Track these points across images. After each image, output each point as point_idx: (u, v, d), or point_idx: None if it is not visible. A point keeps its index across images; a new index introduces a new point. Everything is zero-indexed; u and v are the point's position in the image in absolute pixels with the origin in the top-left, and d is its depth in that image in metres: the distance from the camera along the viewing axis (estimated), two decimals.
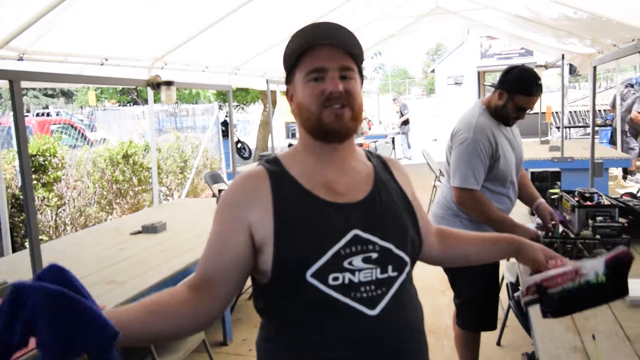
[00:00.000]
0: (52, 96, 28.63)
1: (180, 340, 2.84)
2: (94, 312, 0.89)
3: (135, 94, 20.90)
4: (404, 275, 1.23)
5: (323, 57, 1.20)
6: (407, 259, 1.24)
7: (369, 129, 14.99)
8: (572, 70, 10.61)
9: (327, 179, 1.24)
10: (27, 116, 15.95)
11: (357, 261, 1.17)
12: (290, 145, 9.41)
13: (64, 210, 6.08)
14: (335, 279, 1.15)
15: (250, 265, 1.20)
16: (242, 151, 14.38)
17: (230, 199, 1.22)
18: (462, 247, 1.48)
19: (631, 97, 8.93)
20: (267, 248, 1.16)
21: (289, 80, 1.28)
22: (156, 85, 3.60)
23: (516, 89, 2.52)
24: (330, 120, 1.20)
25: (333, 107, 1.19)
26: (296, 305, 1.16)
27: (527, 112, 2.61)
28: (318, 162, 1.26)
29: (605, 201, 2.77)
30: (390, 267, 1.20)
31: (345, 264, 1.16)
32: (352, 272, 1.16)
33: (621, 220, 2.62)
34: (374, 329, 1.15)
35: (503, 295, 3.65)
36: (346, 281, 1.15)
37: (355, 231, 1.18)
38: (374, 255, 1.18)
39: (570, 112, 14.54)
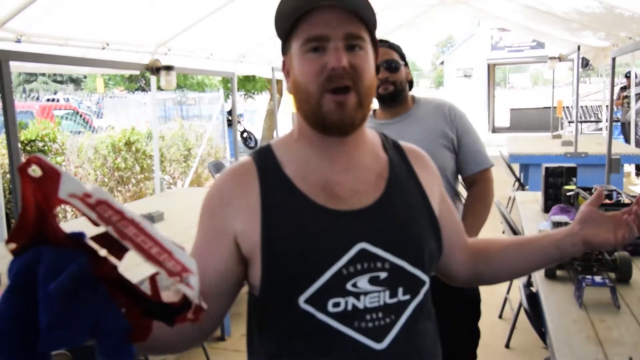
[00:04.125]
0: (61, 82, 28.61)
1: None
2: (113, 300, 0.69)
3: (143, 81, 20.82)
4: (419, 298, 1.01)
5: (324, 22, 0.95)
6: (424, 277, 1.02)
7: None
8: (585, 63, 10.43)
9: (329, 179, 1.01)
10: (37, 100, 15.91)
11: (363, 282, 0.95)
12: None
13: None
14: (336, 304, 0.94)
15: (242, 277, 1.02)
16: (247, 141, 14.26)
17: (212, 205, 1.03)
18: (505, 258, 1.17)
19: None
20: (255, 262, 0.98)
21: (284, 51, 1.05)
22: (156, 69, 3.48)
23: None
24: (331, 109, 0.96)
25: (336, 92, 0.95)
26: (289, 334, 0.97)
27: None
28: (318, 157, 1.03)
29: (626, 199, 2.63)
30: (401, 290, 0.98)
31: (349, 286, 0.95)
32: (357, 296, 0.95)
33: None
34: None
35: (513, 294, 3.51)
36: (349, 307, 0.94)
37: (362, 244, 0.96)
38: (383, 274, 0.96)
39: (581, 107, 14.35)
